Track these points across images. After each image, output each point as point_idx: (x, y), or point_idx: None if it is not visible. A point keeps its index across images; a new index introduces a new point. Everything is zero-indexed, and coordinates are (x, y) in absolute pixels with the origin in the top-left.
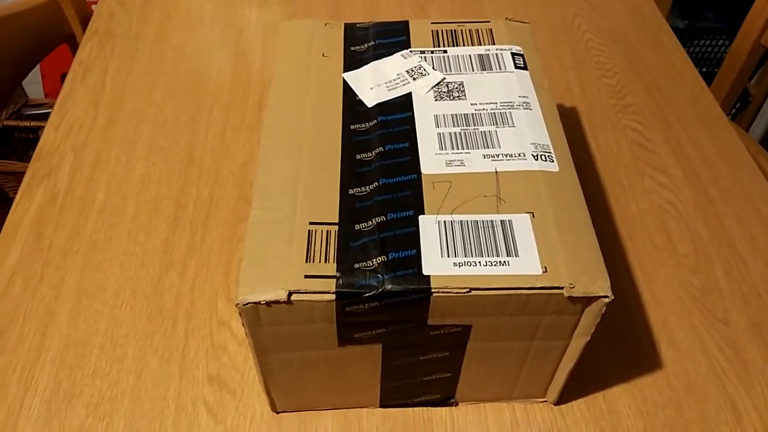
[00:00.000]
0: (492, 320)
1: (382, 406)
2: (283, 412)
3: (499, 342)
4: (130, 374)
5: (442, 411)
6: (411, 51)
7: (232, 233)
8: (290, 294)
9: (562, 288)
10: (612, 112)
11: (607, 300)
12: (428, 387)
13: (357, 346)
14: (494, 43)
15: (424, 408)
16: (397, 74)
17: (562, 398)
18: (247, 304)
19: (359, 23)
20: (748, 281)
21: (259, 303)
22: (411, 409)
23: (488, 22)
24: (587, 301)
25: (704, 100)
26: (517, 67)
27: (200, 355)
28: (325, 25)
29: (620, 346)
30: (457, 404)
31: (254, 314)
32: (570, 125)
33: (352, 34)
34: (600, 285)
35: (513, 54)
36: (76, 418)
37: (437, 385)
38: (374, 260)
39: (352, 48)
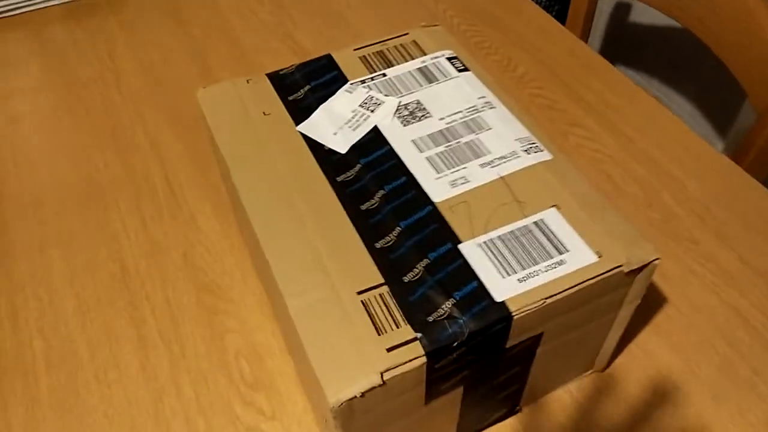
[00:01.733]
0: (560, 320)
1: None
2: None
3: (562, 336)
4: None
5: (510, 421)
6: (352, 84)
7: (211, 330)
8: (382, 374)
9: (621, 266)
10: (512, 85)
11: (657, 261)
12: (498, 407)
13: (441, 398)
14: (425, 54)
15: (494, 427)
16: (352, 111)
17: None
18: (342, 404)
19: (281, 70)
20: (692, 199)
21: (354, 397)
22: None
23: (407, 34)
24: (640, 269)
25: (580, 50)
26: (459, 70)
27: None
28: (248, 81)
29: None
30: (521, 410)
31: (348, 411)
32: None
33: (281, 83)
34: (648, 251)
35: (449, 59)
36: None
37: (505, 402)
38: (443, 306)
39: (290, 98)
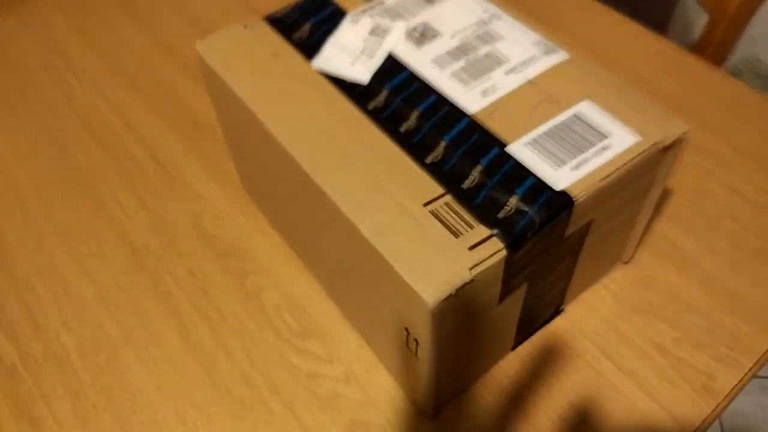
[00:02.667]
0: (609, 204)
1: (512, 348)
2: (439, 409)
3: (607, 223)
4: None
5: (556, 321)
6: (354, 15)
7: (245, 291)
8: (471, 270)
9: (659, 142)
10: None
11: (688, 134)
12: (547, 308)
13: (510, 296)
14: None
15: (542, 330)
16: (363, 40)
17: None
18: (438, 304)
19: (277, 12)
20: (670, 96)
21: (450, 296)
22: (531, 338)
23: None
24: (672, 145)
25: None
26: None
27: (318, 412)
28: (245, 27)
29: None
30: (563, 310)
31: (441, 311)
32: None
33: (281, 24)
34: (678, 126)
35: None
36: None
37: (554, 301)
38: (509, 203)
39: (293, 37)
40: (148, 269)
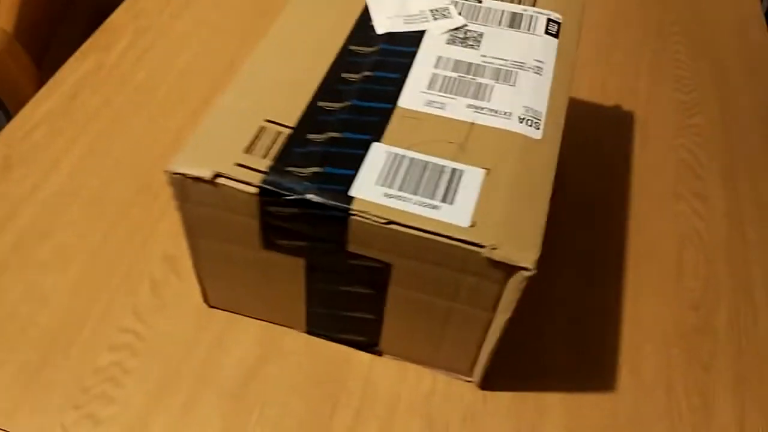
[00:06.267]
0: (413, 264)
1: (308, 331)
2: (216, 308)
3: (421, 293)
4: (96, 233)
5: (365, 356)
6: None
7: None
8: (216, 175)
9: (483, 246)
10: (672, 128)
11: (528, 273)
12: (352, 325)
13: (280, 255)
14: (534, 6)
15: (349, 348)
16: (420, 11)
17: (491, 384)
18: (175, 174)
19: None
20: (751, 335)
21: (186, 176)
22: (336, 344)
23: None
24: (509, 270)
25: None
26: (547, 32)
27: (165, 235)
28: None
29: (577, 356)
30: (381, 354)
31: (182, 188)
32: (620, 130)
33: None
34: (525, 255)
35: (549, 20)
36: (42, 252)
37: (361, 326)
38: (309, 169)
39: None
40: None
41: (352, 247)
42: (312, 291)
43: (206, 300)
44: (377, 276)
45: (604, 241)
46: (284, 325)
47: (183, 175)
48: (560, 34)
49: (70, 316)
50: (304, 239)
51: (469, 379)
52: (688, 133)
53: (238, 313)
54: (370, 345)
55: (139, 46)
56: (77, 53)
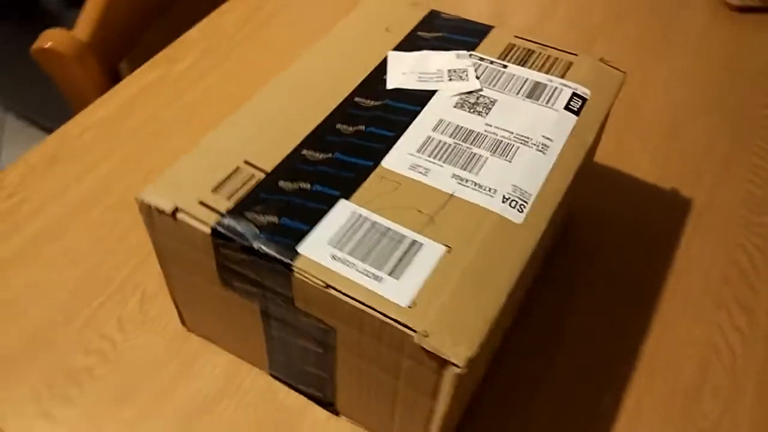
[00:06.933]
0: (353, 333)
1: (272, 374)
2: (192, 332)
3: (365, 363)
4: (108, 239)
5: (322, 413)
6: (470, 54)
7: None
8: (175, 210)
9: (416, 331)
10: (734, 224)
11: (457, 371)
12: (309, 378)
13: (237, 296)
14: (563, 77)
15: (308, 402)
16: (438, 70)
17: None
18: (143, 201)
19: (446, 13)
20: None
21: (150, 206)
22: (296, 393)
23: (575, 55)
24: (442, 362)
25: None
26: (568, 107)
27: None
28: (414, 4)
29: None
30: (338, 414)
31: (149, 216)
32: (672, 215)
33: (430, 20)
34: (457, 350)
35: (574, 94)
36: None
37: (317, 381)
38: (266, 217)
39: (419, 32)
40: None
41: (298, 303)
42: (269, 336)
43: (183, 323)
44: (325, 336)
45: (620, 334)
46: (250, 363)
47: (148, 204)
48: (582, 111)
49: (60, 314)
50: (256, 286)
51: None
52: (751, 233)
53: (211, 342)
54: (328, 403)
55: (202, 65)
56: (146, 64)
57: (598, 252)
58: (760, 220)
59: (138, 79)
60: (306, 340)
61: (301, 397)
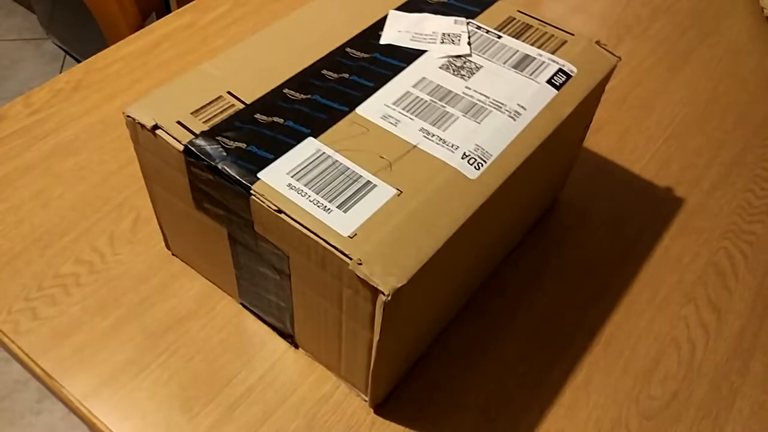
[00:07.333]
0: (302, 260)
1: (241, 303)
2: (175, 255)
3: (315, 293)
4: (115, 162)
5: (282, 344)
6: (468, 22)
7: None
8: (155, 126)
9: (350, 257)
10: (721, 228)
11: (384, 298)
12: (271, 308)
13: (209, 219)
14: (553, 54)
15: (272, 332)
16: (432, 32)
17: (389, 412)
18: (128, 117)
19: None
20: None
21: (135, 121)
22: (261, 324)
23: (572, 35)
24: (374, 291)
25: None
26: (549, 82)
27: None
28: None
29: (491, 423)
30: (297, 347)
31: (134, 130)
32: (661, 212)
33: None
34: (386, 279)
35: (560, 70)
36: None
37: (277, 311)
38: (236, 143)
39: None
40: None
41: (257, 228)
42: (237, 263)
43: (168, 246)
44: (281, 263)
45: (582, 315)
46: (223, 289)
47: (133, 119)
48: (564, 87)
49: (58, 225)
50: (222, 209)
51: (366, 398)
52: (739, 239)
53: (191, 266)
54: (288, 335)
55: (232, 15)
56: (178, 11)
57: (577, 239)
58: (751, 227)
59: (168, 23)
60: (266, 267)
61: (266, 327)
